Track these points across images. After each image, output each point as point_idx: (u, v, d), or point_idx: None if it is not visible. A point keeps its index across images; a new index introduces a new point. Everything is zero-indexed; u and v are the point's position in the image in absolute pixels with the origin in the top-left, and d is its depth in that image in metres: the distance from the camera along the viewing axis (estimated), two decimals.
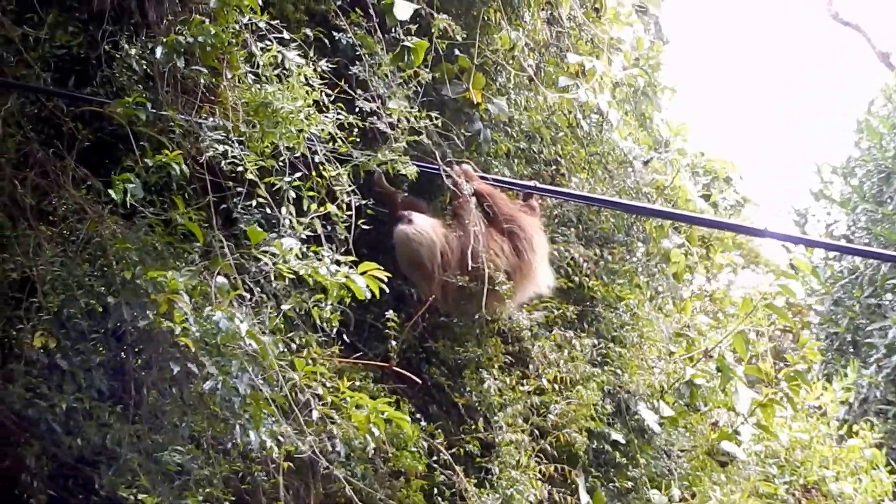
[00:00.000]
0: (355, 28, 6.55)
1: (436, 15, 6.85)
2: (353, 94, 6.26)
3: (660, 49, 9.67)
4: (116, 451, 5.25)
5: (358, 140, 6.06)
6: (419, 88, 6.58)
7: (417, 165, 6.40)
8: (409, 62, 6.56)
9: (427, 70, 6.69)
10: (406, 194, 6.96)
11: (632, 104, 9.36)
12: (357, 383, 6.40)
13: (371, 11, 6.64)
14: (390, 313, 6.47)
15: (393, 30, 6.63)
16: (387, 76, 6.42)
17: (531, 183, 7.29)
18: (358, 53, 6.48)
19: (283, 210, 5.58)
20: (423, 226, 6.65)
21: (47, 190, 5.61)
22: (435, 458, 6.63)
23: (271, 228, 5.58)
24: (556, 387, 7.46)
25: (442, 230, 6.73)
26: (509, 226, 6.91)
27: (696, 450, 8.70)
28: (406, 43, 6.55)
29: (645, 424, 8.16)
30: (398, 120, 6.31)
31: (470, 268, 6.71)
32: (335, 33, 6.56)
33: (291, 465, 5.65)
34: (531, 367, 7.48)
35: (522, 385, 7.28)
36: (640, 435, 8.19)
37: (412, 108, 6.43)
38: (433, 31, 6.81)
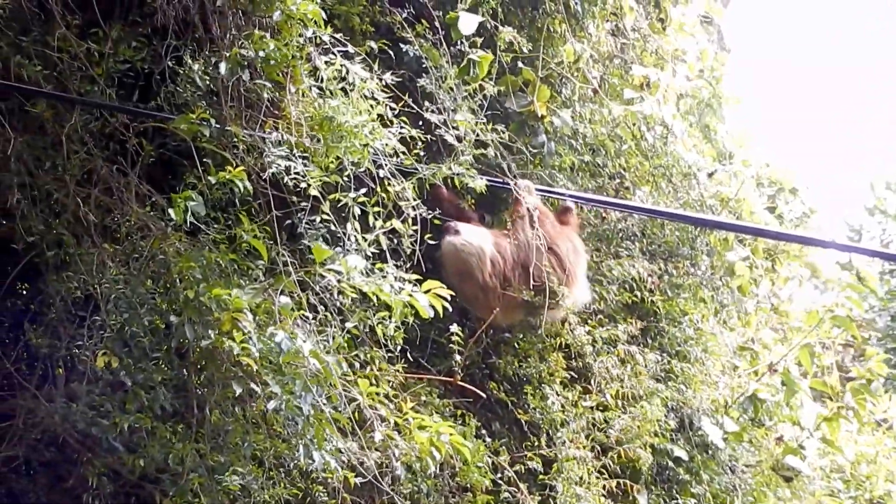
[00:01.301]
0: (421, 40, 6.42)
1: (500, 28, 6.68)
2: (418, 107, 6.13)
3: (724, 60, 9.47)
4: (178, 470, 5.15)
5: (422, 153, 5.91)
6: (484, 102, 6.43)
7: (484, 180, 6.27)
8: (475, 75, 6.42)
9: (492, 83, 6.54)
10: (462, 205, 6.81)
11: (696, 116, 9.17)
12: (423, 398, 6.30)
13: (436, 24, 6.49)
14: (454, 328, 6.33)
15: (459, 42, 6.48)
16: (452, 89, 6.28)
17: (595, 196, 7.19)
18: (423, 66, 6.33)
19: (349, 226, 5.44)
20: (470, 235, 6.47)
21: (111, 207, 5.51)
22: (499, 474, 6.48)
23: (336, 243, 5.44)
24: (619, 402, 7.31)
25: (492, 239, 6.58)
26: (553, 241, 6.76)
27: (761, 465, 8.49)
28: (471, 56, 6.41)
29: (709, 440, 7.97)
30: (464, 133, 6.17)
31: (533, 281, 6.58)
32: (401, 45, 6.41)
33: (356, 482, 5.50)
34: (593, 382, 7.32)
35: (585, 400, 7.13)
36: (703, 451, 8.01)
37: (478, 121, 6.29)
38: (498, 43, 6.67)
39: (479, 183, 6.19)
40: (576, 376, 7.28)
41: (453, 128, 6.16)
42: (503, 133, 6.49)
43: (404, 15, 6.50)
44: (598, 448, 7.11)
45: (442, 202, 6.56)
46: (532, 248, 6.55)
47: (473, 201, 6.79)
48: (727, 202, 8.81)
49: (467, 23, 6.44)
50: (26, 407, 5.46)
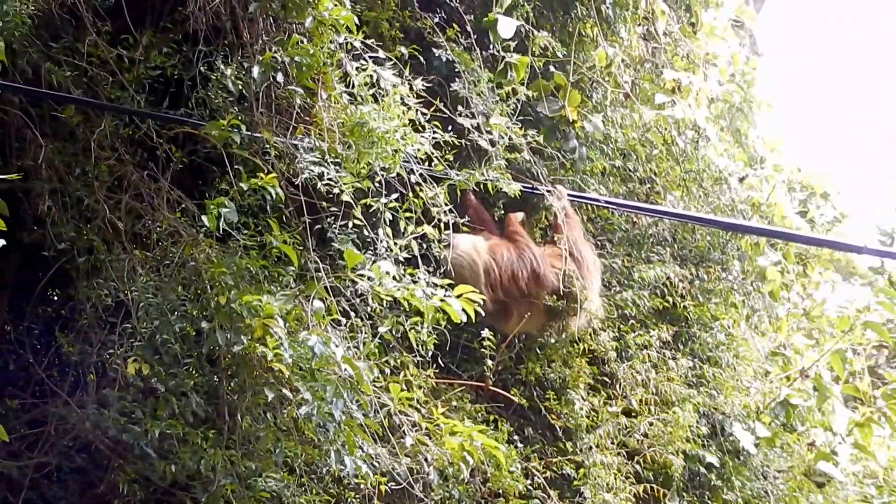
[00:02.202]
0: (453, 45, 6.34)
1: (535, 32, 6.60)
2: (449, 112, 6.04)
3: (755, 64, 9.35)
4: (210, 477, 5.07)
5: (452, 158, 5.82)
6: (517, 106, 6.34)
7: (519, 185, 6.20)
8: (511, 79, 6.34)
9: (524, 87, 6.46)
10: (486, 213, 6.71)
11: (727, 120, 9.04)
12: (454, 403, 6.22)
13: (468, 28, 6.41)
14: (486, 332, 6.25)
15: (492, 46, 6.40)
16: (484, 93, 6.20)
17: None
18: (455, 71, 6.24)
19: (380, 232, 5.36)
20: (462, 246, 6.29)
21: (141, 213, 5.46)
22: (530, 481, 6.39)
23: (366, 248, 5.36)
24: (649, 408, 7.21)
25: (488, 247, 6.43)
26: (577, 247, 6.64)
27: (793, 470, 8.34)
28: (508, 59, 6.34)
29: (740, 445, 7.85)
30: (498, 137, 6.08)
31: (552, 287, 6.52)
32: (434, 50, 6.32)
33: (388, 488, 5.43)
34: (618, 387, 7.21)
35: (611, 405, 7.05)
36: (735, 456, 7.88)
37: (511, 125, 6.20)
38: (529, 47, 6.58)
39: (515, 187, 6.11)
40: (606, 381, 7.19)
41: (486, 132, 6.07)
42: (535, 138, 6.41)
43: (436, 20, 6.41)
44: (627, 453, 7.01)
45: (467, 209, 6.46)
46: (537, 256, 6.46)
47: (503, 207, 6.69)
48: (758, 207, 8.69)
49: (506, 26, 6.37)
50: (58, 413, 5.43)
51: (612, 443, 6.89)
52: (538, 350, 7.04)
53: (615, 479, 6.71)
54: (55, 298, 6.16)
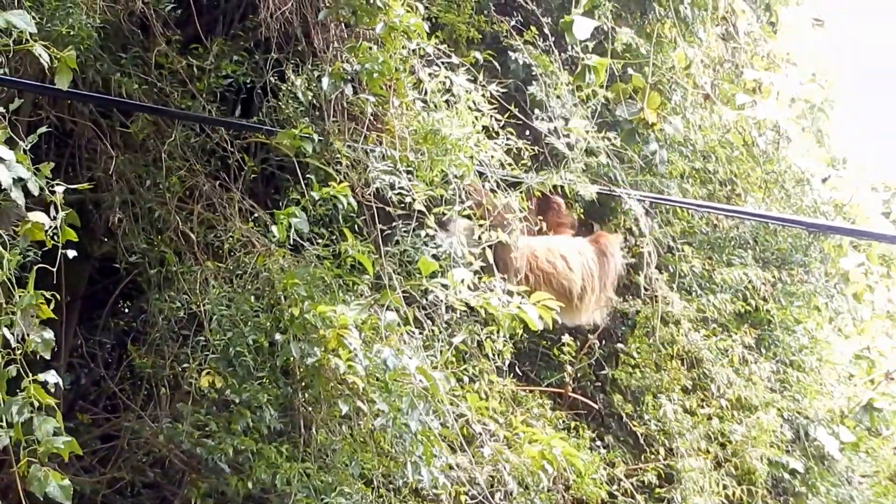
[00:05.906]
0: (529, 48, 6.05)
1: (616, 30, 6.30)
2: (525, 117, 5.80)
3: (836, 63, 8.96)
4: (286, 491, 4.85)
5: (527, 163, 5.55)
6: (597, 107, 6.05)
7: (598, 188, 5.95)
8: (591, 81, 6.05)
9: (603, 90, 6.17)
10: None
11: (808, 120, 8.68)
12: (535, 410, 6.06)
13: (546, 31, 6.13)
14: (566, 338, 6.10)
15: (570, 48, 6.11)
16: (563, 96, 5.93)
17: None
18: (532, 74, 6.00)
19: (454, 239, 5.10)
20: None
21: (213, 223, 5.26)
22: (616, 486, 6.23)
23: (441, 257, 5.10)
24: (735, 413, 6.91)
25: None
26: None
27: (878, 475, 8.06)
28: (587, 61, 6.04)
29: (825, 451, 7.52)
30: (576, 140, 5.81)
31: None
32: (508, 54, 6.11)
33: (469, 496, 5.22)
34: (714, 389, 6.92)
35: (703, 408, 6.82)
36: (819, 461, 7.55)
37: (589, 128, 5.93)
38: (608, 49, 6.28)
39: (592, 190, 5.82)
40: (688, 386, 6.96)
41: (564, 135, 5.79)
42: (614, 140, 6.15)
43: (512, 23, 6.14)
44: (720, 456, 6.84)
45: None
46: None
47: (582, 211, 6.40)
48: (841, 208, 8.32)
49: (582, 27, 6.06)
50: (131, 427, 5.25)
51: (706, 447, 6.73)
52: (625, 356, 6.85)
53: (709, 483, 6.54)
54: (127, 311, 6.03)
